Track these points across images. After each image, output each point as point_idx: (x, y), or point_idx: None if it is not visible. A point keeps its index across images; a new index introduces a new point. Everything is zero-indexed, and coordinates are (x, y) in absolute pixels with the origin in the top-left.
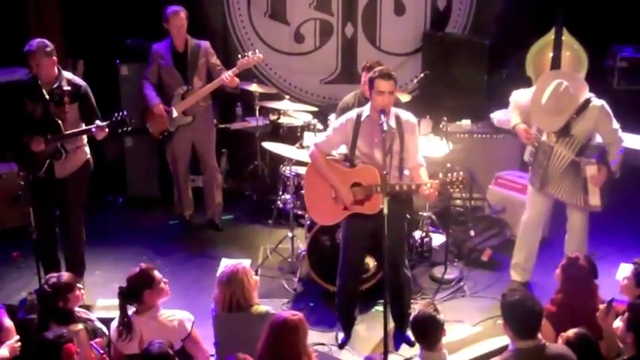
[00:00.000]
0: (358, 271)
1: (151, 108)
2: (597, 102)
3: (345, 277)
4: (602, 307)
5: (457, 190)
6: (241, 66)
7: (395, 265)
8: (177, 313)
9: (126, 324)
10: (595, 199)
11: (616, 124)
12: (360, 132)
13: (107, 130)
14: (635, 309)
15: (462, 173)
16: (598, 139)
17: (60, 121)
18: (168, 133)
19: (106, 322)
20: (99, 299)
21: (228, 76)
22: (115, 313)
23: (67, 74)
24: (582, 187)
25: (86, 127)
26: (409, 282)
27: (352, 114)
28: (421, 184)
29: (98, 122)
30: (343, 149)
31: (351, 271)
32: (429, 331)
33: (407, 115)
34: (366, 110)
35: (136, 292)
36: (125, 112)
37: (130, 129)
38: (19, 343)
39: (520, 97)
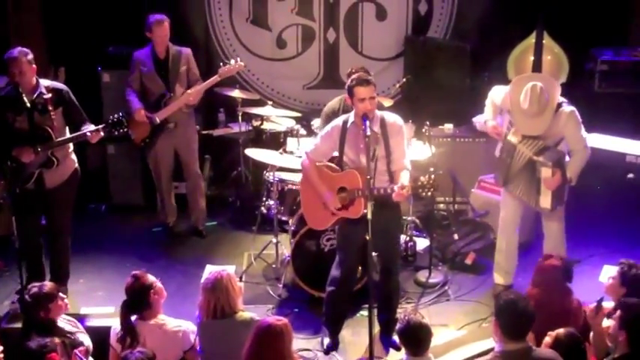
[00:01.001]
0: (353, 277)
1: (134, 114)
2: (568, 107)
3: (340, 282)
4: (590, 306)
5: (428, 193)
6: (223, 74)
7: (387, 271)
8: (182, 324)
9: (129, 330)
10: (545, 201)
11: (584, 133)
12: (347, 138)
13: (102, 133)
14: (627, 307)
15: (432, 176)
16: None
17: (50, 129)
18: (151, 139)
19: (90, 331)
20: (82, 308)
21: (190, 98)
22: (101, 322)
23: (45, 81)
24: (536, 187)
25: (81, 132)
26: (399, 287)
27: (338, 121)
28: (393, 187)
29: (92, 126)
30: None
31: (346, 275)
32: (421, 340)
33: (393, 118)
34: (351, 117)
35: (142, 299)
36: (122, 114)
37: (127, 130)
38: (2, 355)
39: (496, 94)
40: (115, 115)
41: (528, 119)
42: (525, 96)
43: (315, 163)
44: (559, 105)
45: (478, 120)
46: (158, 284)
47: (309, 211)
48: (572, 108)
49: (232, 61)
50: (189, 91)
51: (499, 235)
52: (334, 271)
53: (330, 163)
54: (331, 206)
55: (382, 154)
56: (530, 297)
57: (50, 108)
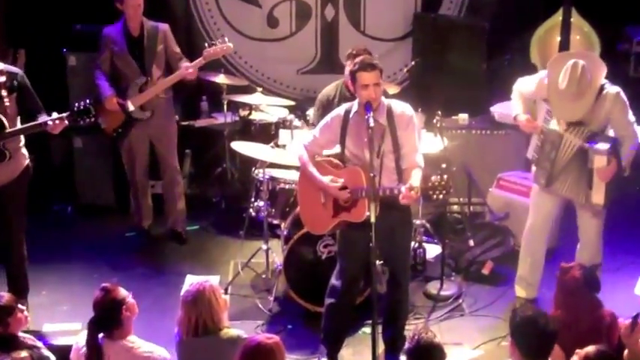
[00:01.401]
0: (356, 287)
1: (104, 101)
2: (612, 89)
3: (341, 294)
4: (625, 322)
5: (440, 195)
6: (208, 56)
7: (397, 280)
8: (155, 350)
9: (95, 350)
10: (598, 196)
11: (632, 117)
12: (349, 130)
13: (67, 122)
14: None
15: (445, 177)
16: (611, 133)
17: (2, 117)
18: (124, 129)
19: (54, 350)
20: (45, 324)
21: (190, 70)
22: (66, 340)
23: None
24: (587, 180)
25: (41, 121)
26: (407, 301)
27: (340, 110)
28: (399, 188)
29: (54, 114)
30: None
31: (348, 286)
32: None
33: (401, 107)
34: (355, 105)
35: (112, 316)
36: (89, 101)
37: (94, 119)
38: None
39: (524, 85)
40: (82, 102)
41: (567, 102)
42: (564, 75)
43: (314, 157)
44: (601, 87)
45: (497, 110)
46: (130, 299)
47: (307, 213)
48: (618, 89)
49: (218, 42)
50: (186, 64)
51: (524, 244)
52: (334, 281)
53: (331, 158)
54: (340, 195)
55: (389, 149)
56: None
57: (3, 93)
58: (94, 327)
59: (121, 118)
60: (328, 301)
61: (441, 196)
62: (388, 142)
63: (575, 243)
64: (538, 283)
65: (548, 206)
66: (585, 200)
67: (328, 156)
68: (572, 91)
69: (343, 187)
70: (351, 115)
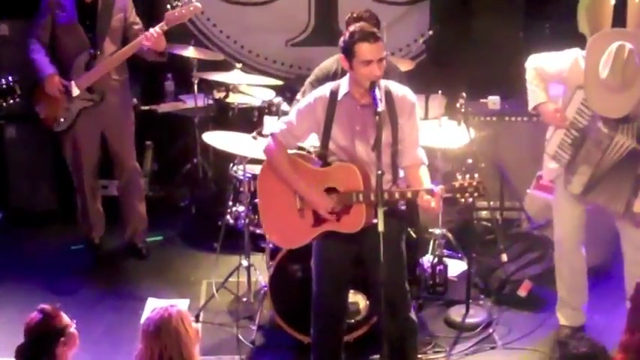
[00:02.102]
0: (339, 315)
1: (43, 82)
2: None
3: (321, 325)
4: None
5: (470, 199)
6: (171, 20)
7: (393, 305)
8: None
9: None
10: None
11: None
12: (337, 117)
13: None
14: None
15: (476, 176)
16: None
17: None
18: (68, 119)
19: None
20: None
21: (151, 35)
22: None
23: None
24: (632, 186)
25: None
26: (415, 329)
27: (323, 91)
28: (419, 190)
29: None
30: (316, 140)
31: (327, 315)
32: None
33: (402, 91)
34: (344, 85)
35: (44, 347)
36: (12, 77)
37: (18, 99)
38: None
39: (548, 64)
40: (3, 80)
41: (609, 94)
42: (607, 61)
43: (287, 151)
44: None
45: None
46: (72, 330)
47: (273, 219)
48: None
49: (182, 1)
50: (150, 31)
51: (557, 259)
52: (314, 308)
53: (302, 152)
54: (322, 209)
55: (387, 141)
56: (627, 349)
57: None
58: (20, 357)
59: (65, 104)
60: (312, 332)
61: (470, 200)
62: (387, 133)
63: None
64: (583, 306)
65: (576, 212)
66: (625, 209)
67: (300, 148)
68: (617, 82)
69: (328, 191)
70: (339, 98)
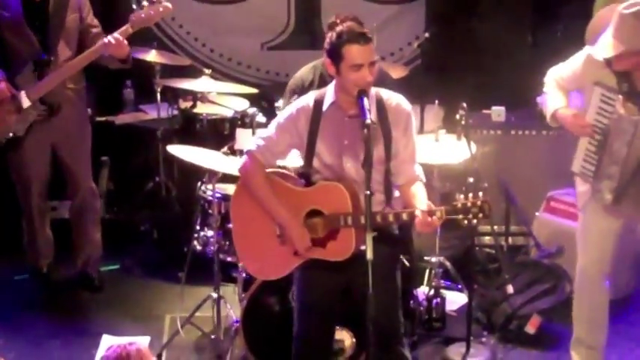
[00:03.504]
0: (324, 351)
1: None
2: None
3: None
4: None
5: (473, 220)
6: (137, 22)
7: (386, 342)
8: None
9: None
10: None
11: None
12: (322, 130)
13: None
14: None
15: (480, 195)
16: None
17: None
18: (15, 132)
19: None
20: None
21: (112, 40)
22: None
23: None
24: None
25: None
26: None
27: (307, 100)
28: (414, 211)
29: None
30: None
31: (311, 356)
32: None
33: (395, 99)
34: (329, 94)
35: None
36: None
37: None
38: None
39: (563, 70)
40: None
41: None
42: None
43: (265, 171)
44: None
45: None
46: None
47: (249, 246)
48: None
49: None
50: (108, 37)
51: (577, 290)
52: (295, 346)
53: (282, 170)
54: (299, 244)
55: (379, 157)
56: None
57: None
58: None
59: (13, 116)
60: None
61: (474, 222)
62: (379, 147)
63: None
64: (603, 346)
65: (608, 237)
66: None
67: (279, 167)
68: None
69: (311, 214)
70: (324, 108)
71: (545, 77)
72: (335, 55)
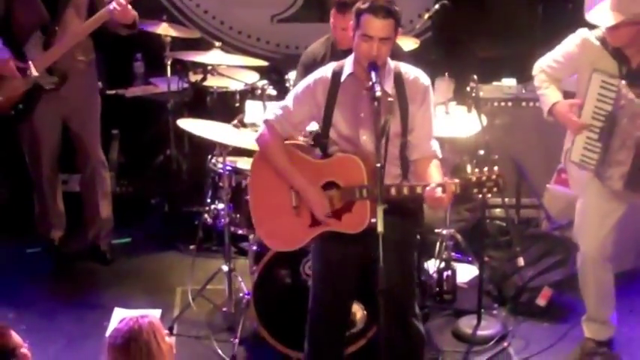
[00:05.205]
0: (340, 327)
1: None
2: None
3: (319, 337)
4: None
5: (487, 194)
6: None
7: (401, 315)
8: None
9: None
10: None
11: None
12: (339, 101)
13: None
14: None
15: (495, 169)
16: None
17: None
18: (26, 105)
19: None
20: None
21: (117, 6)
22: None
23: None
24: None
25: None
26: (422, 340)
27: (325, 72)
28: (428, 184)
29: None
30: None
31: (327, 326)
32: None
33: (414, 73)
34: (348, 65)
35: None
36: None
37: None
38: None
39: (552, 57)
40: None
41: None
42: None
43: (283, 141)
44: None
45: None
46: (24, 350)
47: (265, 217)
48: None
49: None
50: (113, 4)
51: (581, 267)
52: (310, 319)
53: (299, 142)
54: (319, 210)
55: (396, 131)
56: None
57: None
58: None
59: (22, 88)
60: (307, 346)
61: (489, 195)
62: (396, 121)
63: None
64: (610, 318)
65: (610, 220)
66: None
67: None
68: None
69: (327, 186)
70: (342, 79)
71: (534, 70)
72: (356, 20)
